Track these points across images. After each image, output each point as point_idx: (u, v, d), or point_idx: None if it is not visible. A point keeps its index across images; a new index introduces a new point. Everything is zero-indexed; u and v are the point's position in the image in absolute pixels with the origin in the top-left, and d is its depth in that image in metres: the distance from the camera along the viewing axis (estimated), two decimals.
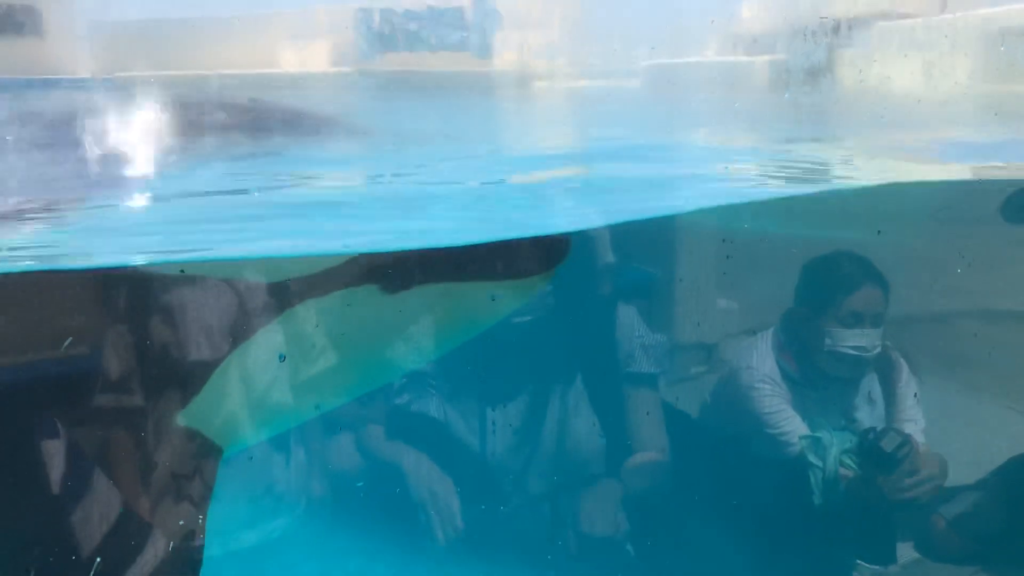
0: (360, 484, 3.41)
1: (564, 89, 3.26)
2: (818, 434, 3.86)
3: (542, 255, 2.60)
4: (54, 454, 1.83)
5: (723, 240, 3.45)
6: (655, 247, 3.54)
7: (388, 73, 3.89)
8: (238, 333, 2.20)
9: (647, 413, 3.62)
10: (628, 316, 3.60)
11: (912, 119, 3.25)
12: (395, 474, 3.39)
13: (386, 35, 4.08)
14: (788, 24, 2.88)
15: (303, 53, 3.93)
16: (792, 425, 3.90)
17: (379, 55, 3.95)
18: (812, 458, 3.81)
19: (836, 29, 2.86)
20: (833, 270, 3.81)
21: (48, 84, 3.62)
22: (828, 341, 3.69)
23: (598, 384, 3.68)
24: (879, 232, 3.46)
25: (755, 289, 3.90)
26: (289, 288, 2.25)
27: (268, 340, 2.19)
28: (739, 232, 3.43)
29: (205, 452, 2.07)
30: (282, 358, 2.19)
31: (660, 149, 3.31)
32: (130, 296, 2.10)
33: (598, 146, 3.35)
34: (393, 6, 4.02)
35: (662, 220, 3.50)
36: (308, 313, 2.27)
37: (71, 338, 2.00)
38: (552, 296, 3.33)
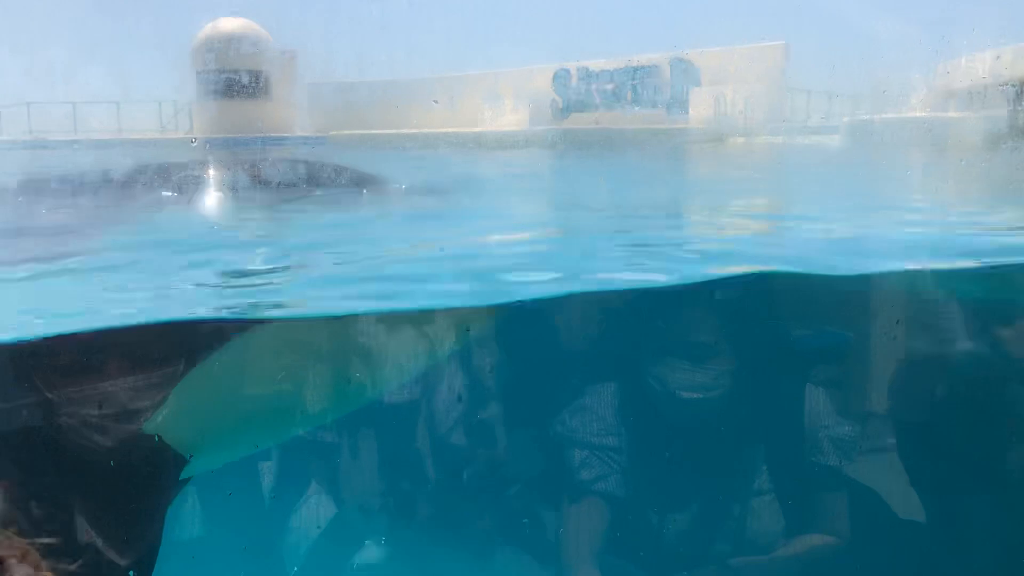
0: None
1: (761, 145, 3.25)
2: None
3: None
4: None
5: (923, 303, 3.32)
6: (850, 308, 3.44)
7: (582, 131, 4.01)
8: (194, 356, 2.39)
9: (837, 484, 3.49)
10: (818, 382, 3.49)
11: None
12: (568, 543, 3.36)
13: (583, 93, 4.22)
14: (1009, 78, 2.76)
15: (501, 111, 4.12)
16: None
17: (575, 113, 4.10)
18: None
19: None
20: None
21: (272, 141, 3.98)
22: None
23: (786, 456, 3.58)
24: None
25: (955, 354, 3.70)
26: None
27: (224, 360, 2.37)
28: (944, 296, 3.29)
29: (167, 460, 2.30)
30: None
31: (862, 208, 3.24)
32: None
33: (792, 201, 3.31)
34: (590, 66, 4.16)
35: (858, 280, 3.41)
36: (267, 338, 2.45)
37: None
38: (741, 362, 3.29)
